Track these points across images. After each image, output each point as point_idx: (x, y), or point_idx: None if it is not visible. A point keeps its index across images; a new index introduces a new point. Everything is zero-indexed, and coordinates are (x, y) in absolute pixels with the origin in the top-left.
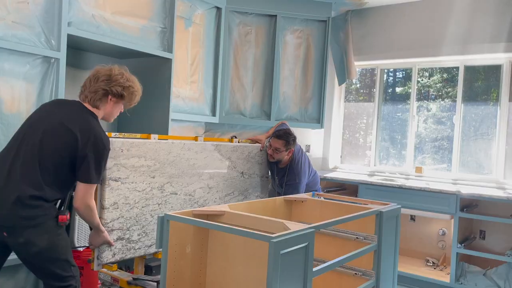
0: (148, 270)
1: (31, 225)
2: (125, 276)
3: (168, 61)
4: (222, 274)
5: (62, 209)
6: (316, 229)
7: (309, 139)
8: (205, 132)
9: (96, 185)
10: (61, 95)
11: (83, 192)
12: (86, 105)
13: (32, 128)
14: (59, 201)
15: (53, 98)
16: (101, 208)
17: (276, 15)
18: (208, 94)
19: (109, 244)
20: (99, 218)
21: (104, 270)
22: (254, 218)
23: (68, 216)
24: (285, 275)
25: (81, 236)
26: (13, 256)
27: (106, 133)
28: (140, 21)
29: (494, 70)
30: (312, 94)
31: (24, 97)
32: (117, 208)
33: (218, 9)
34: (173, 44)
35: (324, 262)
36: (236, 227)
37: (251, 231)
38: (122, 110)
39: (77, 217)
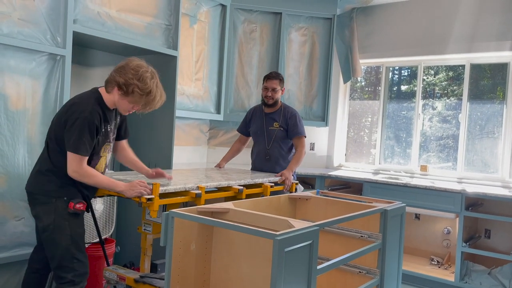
0: (154, 268)
1: (41, 201)
2: (131, 274)
3: (173, 59)
4: (227, 271)
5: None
6: (320, 227)
7: (314, 137)
8: (209, 130)
9: (78, 155)
10: (67, 92)
11: (69, 160)
12: (100, 88)
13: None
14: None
15: (58, 95)
16: None
17: (281, 13)
18: (212, 91)
19: (146, 189)
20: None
21: (110, 268)
22: (259, 216)
23: (80, 205)
24: (289, 273)
25: (86, 232)
26: (18, 252)
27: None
28: (145, 18)
29: (500, 68)
30: (317, 92)
31: (30, 94)
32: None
33: (223, 6)
34: (178, 41)
35: (329, 260)
36: (241, 225)
37: (256, 228)
38: (131, 109)
39: None
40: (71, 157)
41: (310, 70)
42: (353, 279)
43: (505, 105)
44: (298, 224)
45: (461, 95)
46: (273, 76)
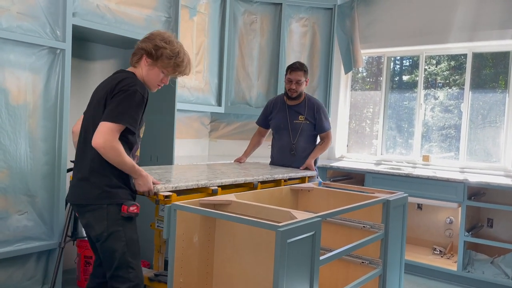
0: (167, 265)
1: (90, 208)
2: (145, 272)
3: None
4: (229, 263)
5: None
6: (322, 218)
7: None
8: (211, 122)
9: (121, 127)
10: (67, 86)
11: (103, 129)
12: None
13: (85, 111)
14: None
15: (59, 89)
16: None
17: (281, 3)
18: (213, 84)
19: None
20: None
21: None
22: (261, 208)
23: (134, 208)
24: (292, 264)
25: None
26: (21, 246)
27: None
28: (144, 10)
29: (502, 57)
30: (318, 83)
31: (30, 88)
32: None
33: None
34: (178, 33)
35: (331, 251)
36: (243, 217)
37: (258, 220)
38: (165, 81)
39: None
40: (105, 126)
41: (311, 61)
42: (355, 269)
43: (507, 94)
44: (301, 216)
45: (463, 85)
46: (297, 67)
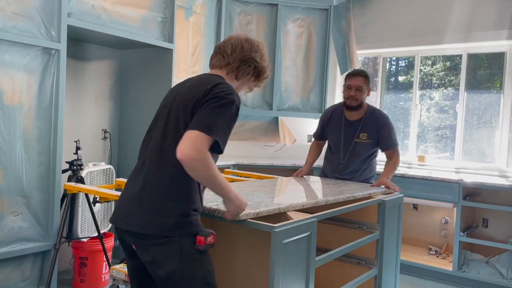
0: None
1: (159, 241)
2: None
3: (169, 52)
4: (224, 264)
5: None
6: (318, 218)
7: (311, 129)
8: None
9: (212, 140)
10: (62, 87)
11: (192, 137)
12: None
13: (159, 114)
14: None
15: (54, 90)
16: None
17: (277, 4)
18: None
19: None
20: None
21: (117, 267)
22: None
23: (211, 238)
24: (288, 265)
25: (84, 226)
26: (17, 247)
27: None
28: (140, 11)
29: (497, 58)
30: (314, 83)
31: (25, 88)
32: None
33: None
34: (173, 34)
35: (327, 251)
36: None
37: (254, 221)
38: (249, 89)
39: (80, 208)
40: (196, 134)
41: (307, 62)
42: (351, 269)
43: (502, 95)
44: (296, 216)
45: (459, 85)
46: (358, 73)
